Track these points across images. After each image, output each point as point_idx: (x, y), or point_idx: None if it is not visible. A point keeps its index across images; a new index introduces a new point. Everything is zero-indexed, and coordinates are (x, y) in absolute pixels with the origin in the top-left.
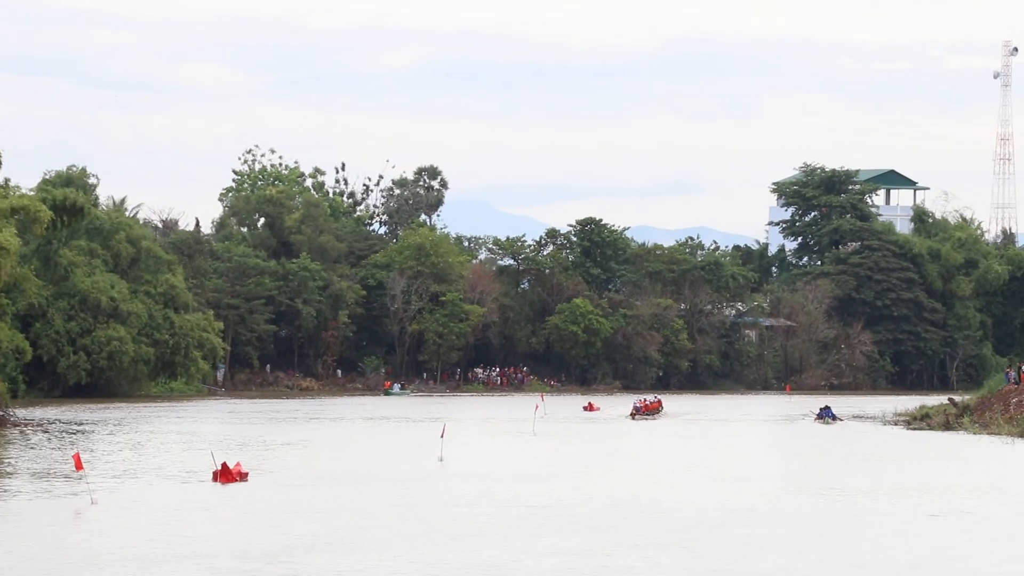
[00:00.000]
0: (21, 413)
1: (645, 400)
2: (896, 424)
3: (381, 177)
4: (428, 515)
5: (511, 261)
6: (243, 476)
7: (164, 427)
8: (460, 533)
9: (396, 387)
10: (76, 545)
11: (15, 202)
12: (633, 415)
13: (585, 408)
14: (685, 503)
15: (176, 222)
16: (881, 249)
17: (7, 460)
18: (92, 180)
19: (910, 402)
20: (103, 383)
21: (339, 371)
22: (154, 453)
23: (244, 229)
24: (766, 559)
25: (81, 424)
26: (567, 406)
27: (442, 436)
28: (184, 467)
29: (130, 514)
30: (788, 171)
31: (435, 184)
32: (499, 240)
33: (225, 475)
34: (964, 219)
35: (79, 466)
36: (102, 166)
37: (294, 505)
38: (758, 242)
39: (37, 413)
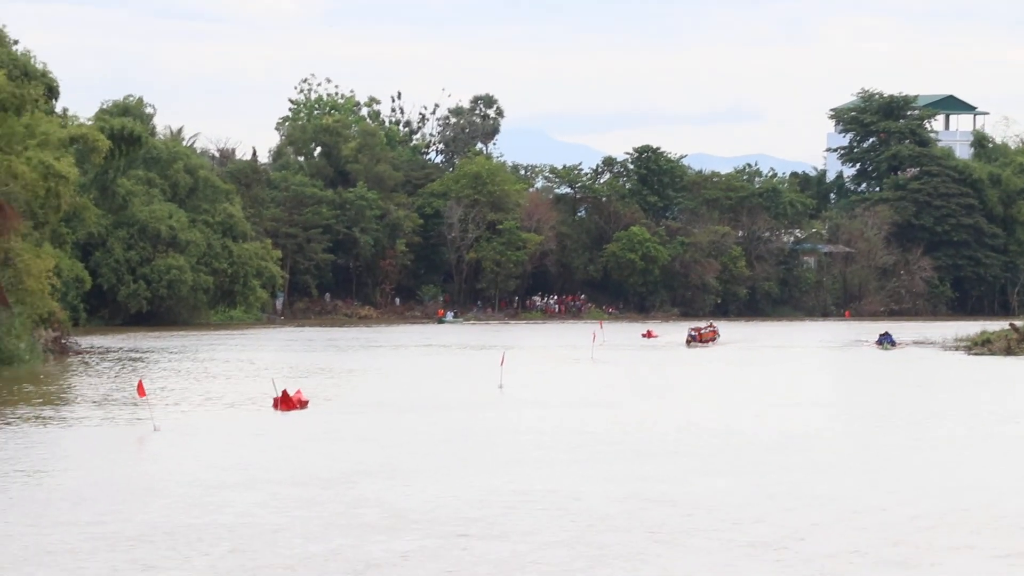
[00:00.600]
0: (83, 342)
1: (700, 328)
2: (957, 349)
3: (437, 106)
4: (487, 442)
5: (568, 189)
6: (303, 404)
7: (224, 355)
8: (519, 460)
9: (449, 315)
10: (140, 472)
11: (73, 131)
12: (688, 343)
13: (644, 335)
14: (743, 429)
15: (233, 151)
16: (940, 175)
17: (70, 388)
18: (149, 110)
19: (971, 327)
20: (163, 312)
21: (397, 299)
22: (215, 381)
23: (301, 158)
24: (826, 485)
25: (142, 352)
26: (625, 333)
27: (501, 363)
28: (245, 395)
29: (192, 441)
30: (846, 97)
31: (491, 113)
32: (555, 168)
33: (285, 402)
34: None
35: (142, 393)
36: (159, 96)
37: (353, 432)
38: (816, 169)
39: (98, 341)
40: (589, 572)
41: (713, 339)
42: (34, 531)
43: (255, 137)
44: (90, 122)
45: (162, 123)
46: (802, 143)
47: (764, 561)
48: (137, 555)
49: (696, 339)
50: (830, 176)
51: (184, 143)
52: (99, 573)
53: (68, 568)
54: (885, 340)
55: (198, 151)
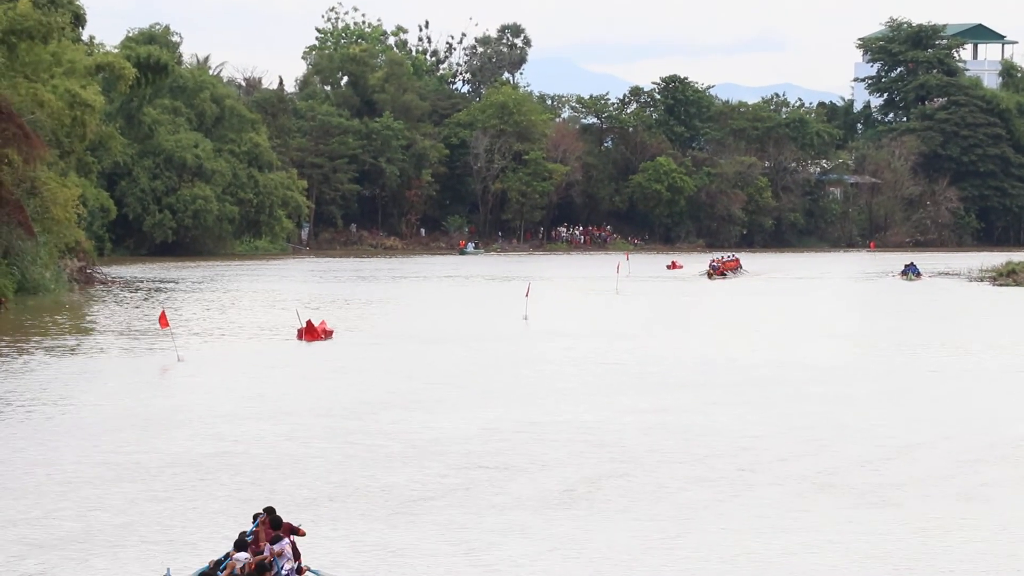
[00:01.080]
0: (108, 271)
1: (722, 258)
2: (982, 280)
3: (464, 35)
4: (511, 374)
5: (594, 120)
6: (328, 334)
7: (249, 285)
8: (542, 392)
9: (471, 246)
10: (162, 403)
11: (99, 59)
12: (710, 274)
13: (668, 267)
14: (767, 361)
15: (259, 80)
16: (968, 104)
17: (95, 318)
18: (176, 38)
19: (996, 258)
20: (188, 241)
21: (422, 230)
22: (239, 311)
23: (327, 88)
24: (849, 416)
25: (167, 282)
26: (650, 265)
27: (527, 295)
28: (269, 325)
29: (215, 371)
30: (874, 26)
31: (518, 42)
32: (582, 98)
33: (310, 333)
34: None
35: (164, 323)
36: (185, 24)
37: (378, 363)
38: (843, 99)
39: (123, 271)
40: (610, 503)
41: (735, 270)
42: (56, 461)
43: (282, 66)
44: (116, 50)
45: (188, 52)
46: (830, 73)
47: (785, 494)
48: (158, 485)
49: (717, 271)
50: (857, 106)
51: (211, 72)
52: (119, 503)
53: (89, 498)
54: (910, 271)
55: (224, 80)
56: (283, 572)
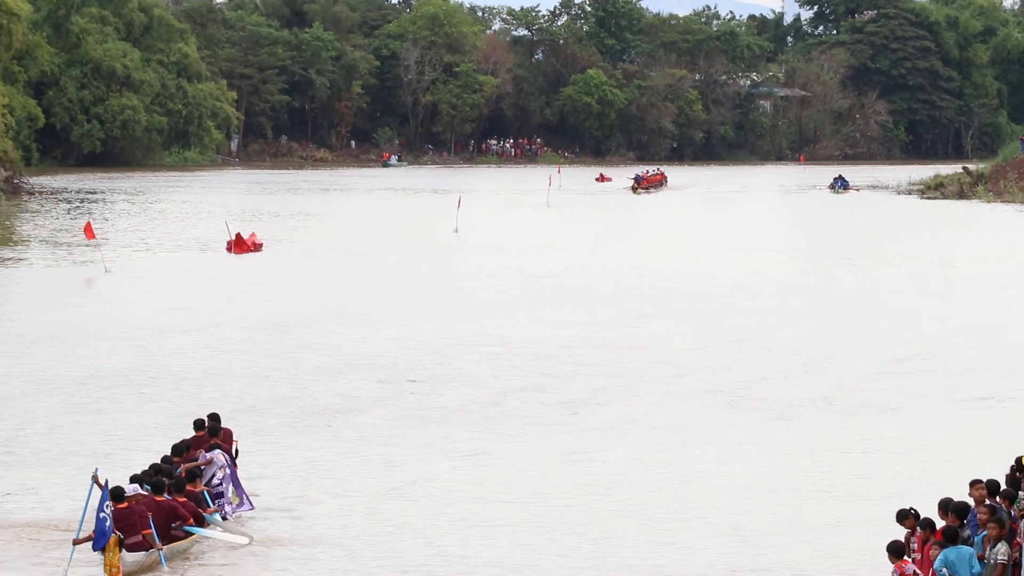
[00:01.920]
0: (35, 181)
1: (647, 172)
2: (910, 193)
3: None
4: (440, 287)
5: (525, 32)
6: (257, 246)
7: (178, 196)
8: (471, 305)
9: (394, 159)
10: (89, 314)
11: None
12: (634, 188)
13: (597, 179)
14: (693, 274)
15: None
16: (897, 17)
17: (21, 228)
18: None
19: (924, 171)
20: (117, 152)
21: (353, 142)
22: (168, 223)
23: None
24: (775, 329)
25: (95, 193)
26: (580, 178)
27: (458, 207)
28: (198, 237)
29: (144, 283)
30: None
31: None
32: (513, 10)
33: (239, 245)
34: None
35: (90, 235)
36: None
37: (307, 276)
38: (774, 12)
39: (51, 182)
40: (537, 418)
41: (661, 183)
42: None
43: None
44: None
45: None
46: None
47: (711, 406)
48: (83, 398)
49: (641, 184)
50: (788, 19)
51: None
52: (47, 416)
53: (17, 411)
54: (838, 184)
55: None
56: (214, 481)
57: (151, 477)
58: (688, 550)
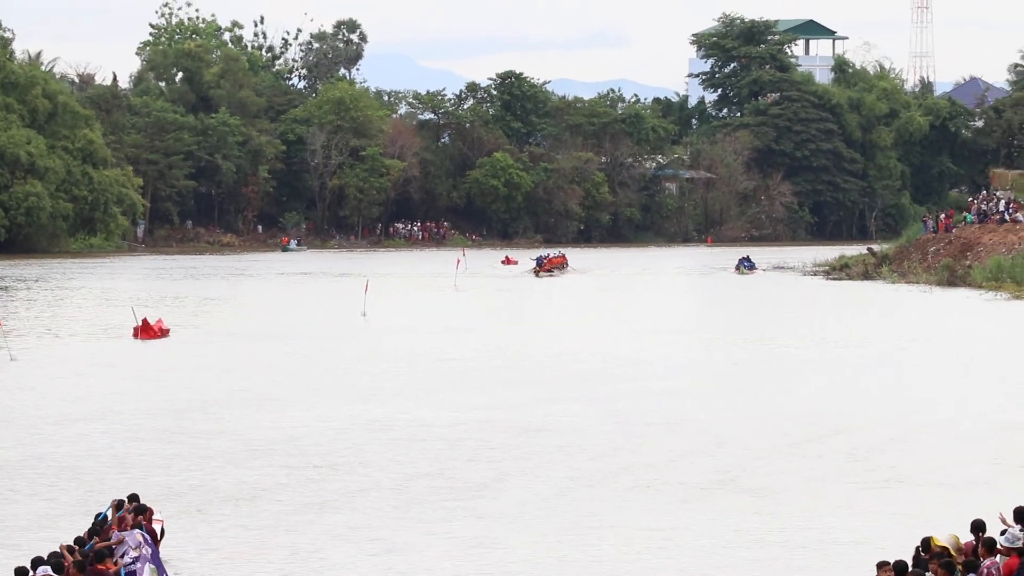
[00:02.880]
0: None
1: (549, 254)
2: (816, 274)
3: (300, 31)
4: (347, 370)
5: (431, 115)
6: (164, 332)
7: (84, 283)
8: (378, 389)
9: (293, 243)
10: (1, 401)
11: None
12: (536, 272)
13: (503, 262)
14: (601, 355)
15: (93, 77)
16: (800, 100)
17: None
18: (7, 33)
19: (830, 252)
20: (21, 239)
21: (260, 227)
22: (74, 309)
23: (162, 84)
24: (683, 410)
25: None
26: (488, 260)
27: (365, 291)
28: (105, 323)
29: (48, 371)
30: (708, 22)
31: (354, 38)
32: (419, 94)
33: (146, 331)
34: (883, 69)
35: None
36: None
37: (213, 361)
38: (678, 94)
39: None
40: (443, 502)
41: (561, 266)
42: None
43: (116, 62)
44: None
45: (20, 48)
46: (665, 68)
47: (618, 489)
48: None
49: (543, 267)
50: (692, 101)
51: (43, 68)
52: None
53: None
54: (743, 264)
55: (57, 76)
56: (126, 559)
57: (52, 558)
58: None
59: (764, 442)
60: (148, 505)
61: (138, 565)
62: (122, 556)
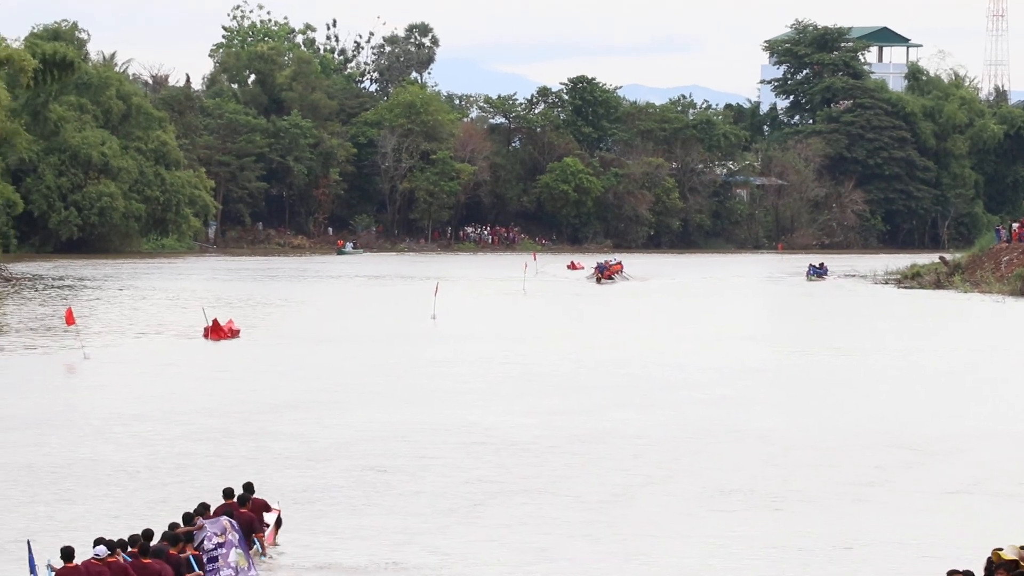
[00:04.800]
0: (13, 268)
1: (609, 262)
2: (887, 283)
3: (372, 34)
4: (414, 375)
5: (502, 120)
6: (234, 333)
7: (156, 283)
8: (444, 393)
9: (349, 246)
10: (65, 402)
11: (0, 53)
12: (598, 279)
13: (568, 267)
14: (667, 362)
15: (166, 78)
16: (873, 107)
17: (0, 315)
18: (82, 35)
19: (901, 261)
20: (94, 239)
21: (330, 229)
22: (146, 309)
23: (235, 86)
24: (752, 418)
25: (73, 280)
26: (557, 265)
27: (435, 294)
28: (176, 323)
29: (120, 370)
30: (781, 28)
31: (426, 41)
32: (490, 98)
33: (216, 332)
34: (957, 77)
35: (70, 321)
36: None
37: (283, 363)
38: (750, 101)
39: (28, 268)
40: (504, 508)
41: (618, 273)
42: None
43: (189, 64)
44: (21, 46)
45: (95, 49)
46: (737, 75)
47: (675, 495)
48: (52, 488)
49: (605, 274)
50: (764, 108)
51: (117, 69)
52: (14, 505)
53: None
54: (812, 273)
55: (131, 77)
56: (206, 545)
57: (114, 541)
58: None
59: (831, 451)
60: (255, 496)
61: (222, 551)
62: (202, 542)
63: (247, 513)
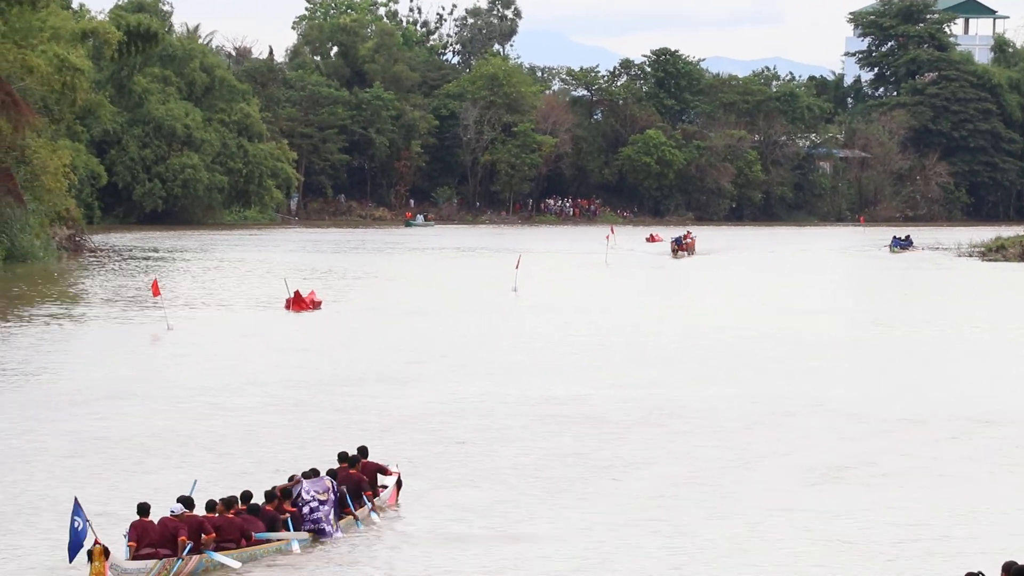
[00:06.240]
0: (97, 239)
1: (685, 235)
2: (971, 255)
3: (455, 6)
4: (495, 347)
5: (584, 92)
6: (316, 305)
7: (238, 255)
8: (524, 366)
9: (419, 218)
10: (151, 372)
11: (85, 25)
12: (675, 251)
13: (648, 240)
14: (751, 336)
15: (249, 50)
16: (959, 79)
17: (83, 286)
18: (166, 7)
19: (986, 233)
20: (178, 211)
21: (412, 201)
22: (229, 280)
23: (317, 58)
24: (833, 393)
25: (156, 251)
26: (637, 238)
27: (516, 267)
28: (258, 295)
29: (202, 341)
30: (866, 0)
31: (508, 13)
32: (572, 71)
33: (298, 303)
34: None
35: (156, 292)
36: None
37: (365, 335)
38: (833, 73)
39: (113, 240)
40: (581, 480)
41: (692, 248)
42: (31, 432)
43: (271, 36)
44: (105, 18)
45: (179, 21)
46: (820, 47)
47: (758, 468)
48: (129, 458)
49: (682, 247)
50: (848, 80)
51: (201, 41)
52: (90, 475)
53: (56, 470)
54: (896, 244)
55: (214, 49)
56: (306, 497)
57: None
58: None
59: (915, 425)
60: (369, 460)
61: (324, 508)
62: (299, 498)
63: (355, 474)
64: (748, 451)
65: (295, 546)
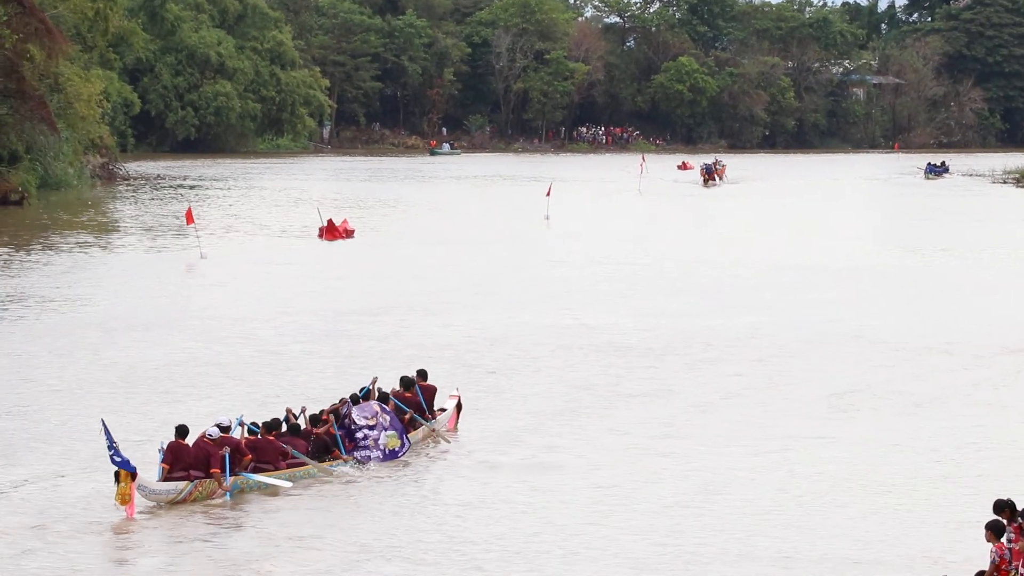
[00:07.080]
0: (130, 167)
1: (716, 163)
2: (1005, 182)
3: None
4: (526, 275)
5: (617, 19)
6: (349, 233)
7: (272, 183)
8: (556, 293)
9: (445, 146)
10: (184, 300)
11: None
12: (705, 181)
13: (679, 167)
14: (782, 265)
15: None
16: (993, 4)
17: (118, 215)
18: None
19: (1020, 159)
20: (211, 139)
21: (444, 129)
22: (262, 208)
23: None
24: (865, 321)
25: (189, 179)
26: (669, 165)
27: (548, 195)
28: (291, 223)
29: (235, 270)
30: None
31: None
32: None
33: (331, 232)
34: None
35: (190, 220)
36: None
37: (398, 263)
38: None
39: (146, 167)
40: (616, 408)
41: (723, 176)
42: (64, 360)
43: None
44: None
45: None
46: None
47: (787, 396)
48: (158, 386)
49: (712, 175)
50: (882, 6)
51: None
52: (123, 402)
53: (90, 397)
54: (931, 171)
55: None
56: (359, 422)
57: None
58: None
59: (947, 353)
60: (428, 383)
61: (373, 433)
62: (346, 421)
63: (411, 396)
64: (777, 379)
65: (345, 468)
